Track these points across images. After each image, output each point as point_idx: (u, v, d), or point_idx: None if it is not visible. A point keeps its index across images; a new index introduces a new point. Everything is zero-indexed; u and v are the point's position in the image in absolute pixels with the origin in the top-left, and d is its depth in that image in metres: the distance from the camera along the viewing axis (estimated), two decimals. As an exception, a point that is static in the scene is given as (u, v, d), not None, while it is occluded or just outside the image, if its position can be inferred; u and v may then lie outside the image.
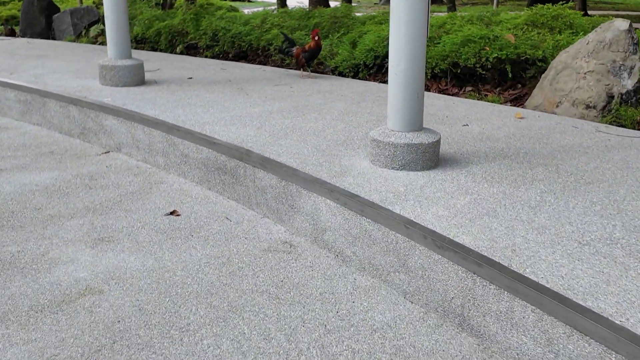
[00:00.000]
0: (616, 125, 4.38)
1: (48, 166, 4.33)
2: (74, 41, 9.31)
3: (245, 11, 20.18)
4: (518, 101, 5.33)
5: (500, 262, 2.25)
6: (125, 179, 4.09)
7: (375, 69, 6.24)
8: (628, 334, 1.83)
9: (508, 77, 5.39)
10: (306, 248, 3.10)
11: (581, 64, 4.93)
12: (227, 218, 3.47)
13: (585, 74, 4.88)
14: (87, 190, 3.88)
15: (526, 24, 5.70)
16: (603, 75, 4.82)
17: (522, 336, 2.13)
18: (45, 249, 3.10)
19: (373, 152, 3.31)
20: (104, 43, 7.70)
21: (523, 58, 5.25)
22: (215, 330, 2.40)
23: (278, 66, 7.06)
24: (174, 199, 3.76)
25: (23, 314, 2.51)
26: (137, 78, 5.38)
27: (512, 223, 2.57)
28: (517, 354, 2.16)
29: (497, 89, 5.60)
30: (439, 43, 5.89)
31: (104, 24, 8.28)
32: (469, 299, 2.32)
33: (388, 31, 5.98)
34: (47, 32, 9.87)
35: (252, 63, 7.37)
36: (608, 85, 4.77)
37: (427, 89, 5.88)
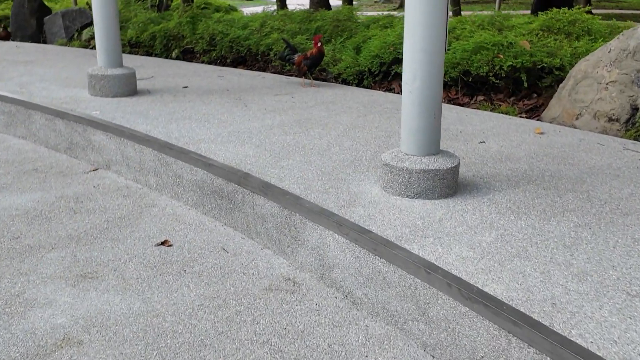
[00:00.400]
0: (644, 142, 4.07)
1: (30, 186, 4.00)
2: (66, 45, 8.98)
3: (244, 11, 19.84)
4: (534, 112, 5.02)
5: (540, 320, 1.93)
6: (114, 201, 3.77)
7: (380, 76, 5.93)
8: None
9: (523, 86, 5.08)
10: (311, 287, 2.78)
11: (603, 74, 4.61)
12: (223, 249, 3.16)
13: (607, 84, 4.56)
14: (71, 215, 3.56)
15: (541, 30, 5.38)
16: (627, 86, 4.50)
17: (570, 413, 1.82)
18: (21, 287, 2.78)
19: (385, 178, 2.99)
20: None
21: (539, 66, 4.93)
22: (208, 398, 2.08)
23: (278, 72, 6.73)
24: (166, 225, 3.44)
25: (-12, 376, 2.19)
26: (128, 88, 5.05)
27: (548, 267, 2.25)
28: None
29: (511, 99, 5.28)
30: (449, 50, 5.56)
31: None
32: (503, 363, 2.01)
33: (394, 36, 5.67)
34: (38, 35, 9.53)
35: (251, 69, 7.05)
36: (632, 96, 4.45)
37: (436, 98, 5.55)
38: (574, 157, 3.59)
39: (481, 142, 3.88)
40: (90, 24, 9.06)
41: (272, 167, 3.37)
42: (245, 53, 7.04)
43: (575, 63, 4.91)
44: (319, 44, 5.45)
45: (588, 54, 4.97)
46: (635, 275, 2.20)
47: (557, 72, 4.94)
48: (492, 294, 2.09)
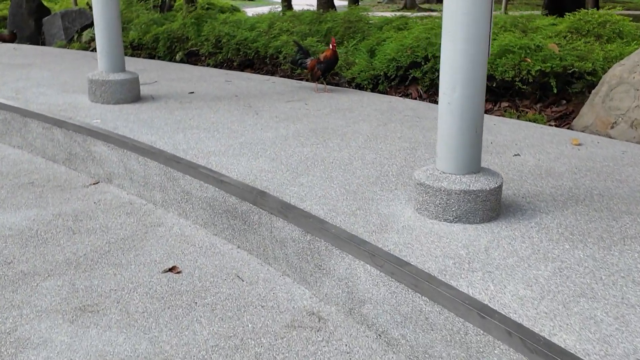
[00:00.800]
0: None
1: (26, 202, 3.69)
2: (65, 47, 8.66)
3: (248, 12, 19.53)
4: (564, 120, 4.70)
5: (627, 382, 1.61)
6: (116, 219, 3.46)
7: (397, 80, 5.61)
8: None
9: (552, 92, 4.76)
10: (339, 323, 2.47)
11: (640, 79, 4.29)
12: (238, 276, 2.84)
13: (646, 90, 4.24)
14: (69, 236, 3.24)
15: (569, 32, 5.07)
16: (668, 93, 4.18)
17: None
18: (13, 323, 2.47)
19: (419, 199, 2.67)
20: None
21: (570, 71, 4.61)
22: None
23: (288, 76, 6.42)
24: (174, 247, 3.13)
25: None
26: (131, 94, 4.74)
27: (621, 310, 1.94)
28: None
29: (538, 105, 4.97)
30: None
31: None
32: None
33: (411, 39, 5.36)
34: (37, 37, 9.21)
35: (259, 72, 6.73)
36: (674, 104, 4.13)
37: (457, 104, 5.24)
38: (621, 173, 3.27)
39: (516, 155, 3.56)
40: (91, 25, 8.75)
41: (290, 184, 3.05)
42: (253, 56, 6.73)
43: (609, 68, 4.59)
44: (332, 46, 5.14)
45: (622, 57, 4.66)
46: None
47: (588, 77, 4.63)
48: (562, 346, 1.77)
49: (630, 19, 5.27)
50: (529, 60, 4.75)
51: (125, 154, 3.79)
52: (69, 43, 8.68)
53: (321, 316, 2.52)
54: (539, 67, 4.66)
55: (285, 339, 2.37)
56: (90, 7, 9.70)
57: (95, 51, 4.89)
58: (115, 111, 4.53)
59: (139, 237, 3.25)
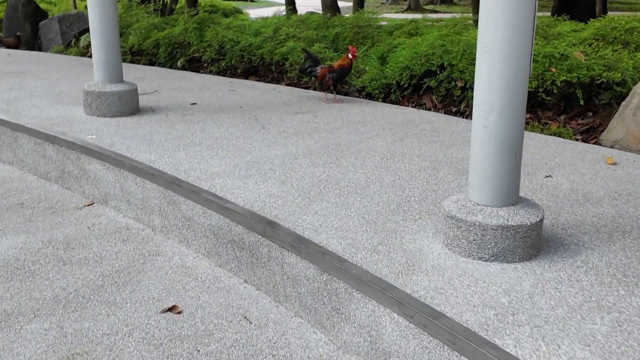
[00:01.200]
0: None
1: (14, 227, 3.40)
2: (63, 52, 8.37)
3: (250, 14, 19.22)
4: (591, 133, 4.40)
5: None
6: (111, 248, 3.16)
7: (410, 89, 5.31)
8: None
9: (576, 103, 4.46)
10: (362, 378, 2.17)
11: (677, 91, 3.99)
12: (245, 317, 2.54)
13: (683, 104, 3.94)
14: (59, 268, 2.95)
15: (595, 39, 4.76)
16: None
17: None
18: (-10, 377, 2.17)
19: (449, 234, 2.37)
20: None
21: (598, 82, 4.31)
22: None
23: (294, 85, 6.12)
24: (174, 281, 2.83)
25: None
26: (129, 106, 4.44)
27: (701, 380, 1.63)
28: None
29: (562, 117, 4.66)
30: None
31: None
32: None
33: (425, 45, 5.07)
34: (33, 41, 8.92)
35: (264, 80, 6.44)
36: None
37: (475, 115, 4.94)
38: (666, 198, 2.97)
39: (547, 177, 3.26)
40: (89, 29, 8.47)
41: (303, 213, 2.76)
42: (257, 63, 6.43)
43: (639, 78, 4.29)
44: (351, 55, 4.84)
45: (653, 67, 4.36)
46: None
47: (618, 89, 4.33)
48: None
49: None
50: (553, 69, 4.44)
51: (121, 174, 3.50)
52: (66, 48, 8.39)
53: (340, 369, 2.23)
54: (565, 77, 4.35)
55: (300, 399, 2.07)
56: (89, 11, 9.40)
57: (92, 59, 4.59)
58: (112, 125, 4.23)
59: (135, 268, 2.95)
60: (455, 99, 5.13)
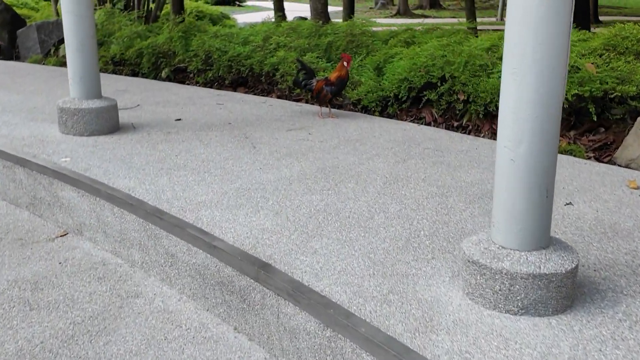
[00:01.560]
0: None
1: (-23, 264, 3.05)
2: (41, 62, 8.00)
3: (238, 19, 18.90)
4: (604, 151, 4.11)
5: None
6: (85, 288, 2.83)
7: (409, 102, 5.01)
8: None
9: (591, 118, 4.18)
10: None
11: (699, 107, 3.71)
12: (236, 376, 2.21)
13: None
14: (25, 314, 2.61)
15: (605, 49, 4.49)
16: None
17: None
18: None
19: (471, 281, 2.06)
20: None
21: (612, 95, 4.03)
22: None
23: (285, 97, 5.80)
24: (155, 330, 2.50)
25: None
26: (108, 124, 4.11)
27: None
28: None
29: (571, 133, 4.38)
30: (492, 71, 4.66)
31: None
32: None
33: (425, 56, 4.77)
34: (11, 50, 8.54)
35: (254, 92, 6.11)
36: None
37: (478, 130, 4.66)
38: (703, 230, 2.67)
39: (568, 204, 2.96)
40: (69, 38, 8.09)
41: (301, 252, 2.44)
42: (246, 73, 6.10)
43: (656, 91, 4.02)
44: (346, 64, 4.54)
45: (671, 80, 4.08)
46: None
47: (632, 103, 4.05)
48: None
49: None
50: (564, 83, 4.15)
51: (98, 203, 3.16)
52: (45, 57, 8.02)
53: None
54: (576, 91, 4.07)
55: None
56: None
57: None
58: (88, 145, 3.89)
59: (112, 314, 2.62)
60: (457, 113, 4.83)
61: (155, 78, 6.77)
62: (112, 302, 2.71)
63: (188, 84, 6.48)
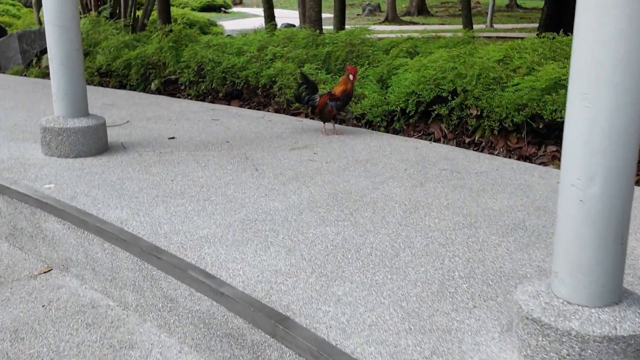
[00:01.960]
0: None
1: (-52, 308, 2.70)
2: (22, 73, 7.62)
3: (225, 26, 18.56)
4: (631, 170, 3.81)
5: None
6: (72, 337, 2.49)
7: (416, 117, 4.72)
8: None
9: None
10: None
11: None
12: None
13: None
14: (3, 372, 2.26)
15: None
16: None
17: None
18: None
19: (530, 342, 1.75)
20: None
21: None
22: None
23: (283, 110, 5.49)
24: (154, 391, 2.16)
25: None
26: (96, 145, 3.77)
27: None
28: None
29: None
30: (506, 85, 4.38)
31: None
32: None
33: (436, 68, 4.49)
34: (-8, 61, 8.14)
35: (249, 105, 5.79)
36: None
37: (492, 147, 4.37)
38: None
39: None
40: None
41: (322, 300, 2.12)
42: (241, 86, 5.78)
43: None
44: (352, 77, 4.25)
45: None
46: None
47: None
48: None
49: None
50: (587, 97, 3.87)
51: (86, 237, 2.82)
52: (26, 68, 7.64)
53: None
54: (601, 107, 3.78)
55: None
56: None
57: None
58: (75, 169, 3.55)
59: (103, 371, 2.28)
60: (468, 129, 4.54)
61: (144, 90, 6.42)
62: (104, 355, 2.37)
63: (179, 97, 6.14)
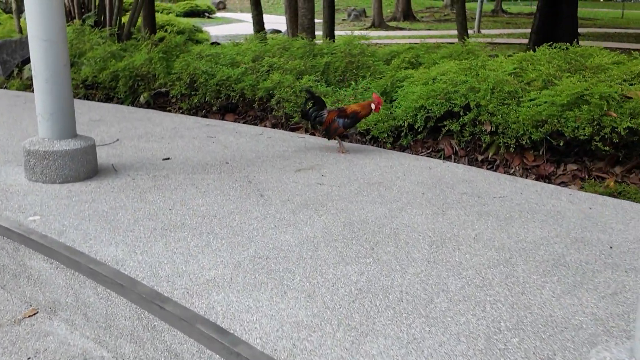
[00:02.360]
0: None
1: None
2: (3, 85, 7.25)
3: (210, 32, 18.23)
4: (660, 191, 3.59)
5: None
6: (63, 399, 2.17)
7: (425, 133, 4.45)
8: None
9: (636, 153, 3.67)
10: None
11: None
12: None
13: None
14: None
15: (649, 73, 4.00)
16: None
17: None
18: None
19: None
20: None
21: (669, 128, 3.52)
22: None
23: (282, 125, 5.21)
24: None
25: None
26: (85, 168, 3.46)
27: None
28: None
29: (616, 169, 3.86)
30: (521, 99, 4.13)
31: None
32: None
33: (447, 82, 4.23)
34: (-30, 72, 7.76)
35: (244, 119, 5.50)
36: None
37: (507, 165, 4.12)
38: None
39: (664, 275, 2.41)
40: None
41: (355, 362, 1.83)
42: (237, 99, 5.48)
43: None
44: (376, 105, 4.01)
45: None
46: None
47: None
48: None
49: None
50: (613, 114, 3.64)
51: (76, 278, 2.52)
52: (7, 80, 7.28)
53: None
54: (628, 124, 3.55)
55: None
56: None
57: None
58: (62, 197, 3.23)
59: None
60: (481, 145, 4.29)
61: (132, 104, 6.10)
62: (100, 422, 2.06)
63: (170, 111, 5.83)
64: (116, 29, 7.80)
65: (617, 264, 2.51)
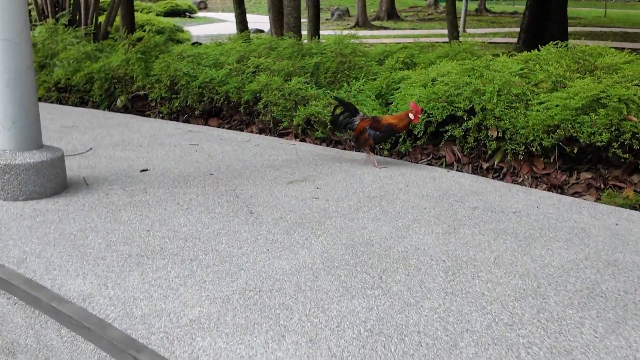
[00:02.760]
0: None
1: None
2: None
3: (191, 31, 17.81)
4: (685, 203, 3.29)
5: None
6: None
7: (425, 138, 4.13)
8: None
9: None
10: None
11: None
12: None
13: None
14: None
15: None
16: None
17: None
18: None
19: None
20: None
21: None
22: None
23: (269, 130, 4.85)
24: None
25: None
26: (52, 183, 3.08)
27: None
28: None
29: (633, 177, 3.56)
30: (530, 101, 3.82)
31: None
32: None
33: (449, 84, 3.91)
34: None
35: (229, 124, 5.14)
36: None
37: (515, 173, 3.80)
38: None
39: None
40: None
41: None
42: (221, 102, 5.12)
43: None
44: (413, 115, 3.65)
45: None
46: None
47: None
48: None
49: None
50: (634, 118, 3.35)
51: (37, 317, 2.15)
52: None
53: None
54: (652, 129, 3.26)
55: None
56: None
57: None
58: (25, 217, 2.86)
59: None
60: (485, 152, 3.97)
61: (108, 108, 5.71)
62: None
63: (149, 115, 5.46)
64: (92, 29, 7.40)
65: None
